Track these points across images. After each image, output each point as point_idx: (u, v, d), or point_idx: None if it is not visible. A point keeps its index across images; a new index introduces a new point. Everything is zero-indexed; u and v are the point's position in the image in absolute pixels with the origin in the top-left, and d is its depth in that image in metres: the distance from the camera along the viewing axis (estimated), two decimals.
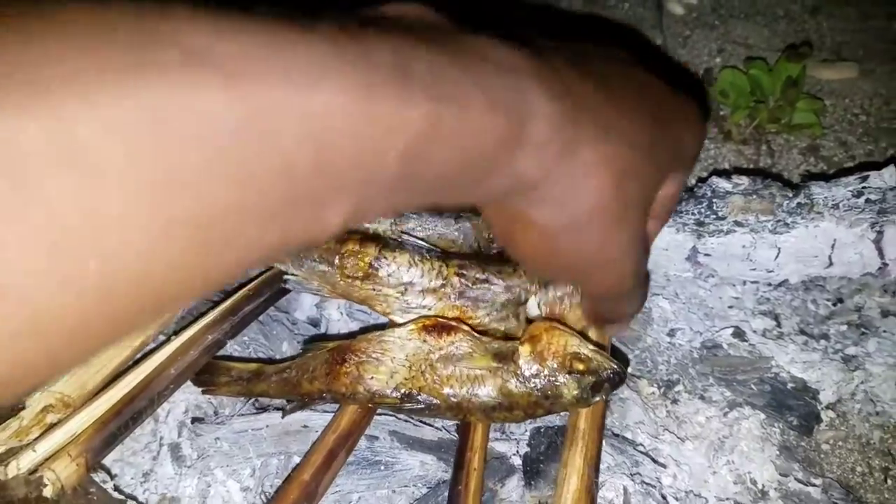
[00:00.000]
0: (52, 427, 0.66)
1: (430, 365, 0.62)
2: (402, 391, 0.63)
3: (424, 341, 0.63)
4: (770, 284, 0.91)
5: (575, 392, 0.60)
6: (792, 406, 0.79)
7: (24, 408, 0.68)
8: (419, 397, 0.62)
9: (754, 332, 0.87)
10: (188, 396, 0.78)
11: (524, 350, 0.61)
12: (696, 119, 0.49)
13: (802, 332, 0.88)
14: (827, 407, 0.81)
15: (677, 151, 0.46)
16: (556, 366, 0.60)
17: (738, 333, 0.84)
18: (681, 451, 0.77)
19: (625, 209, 0.41)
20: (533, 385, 0.60)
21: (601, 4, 1.49)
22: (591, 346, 0.60)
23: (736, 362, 0.82)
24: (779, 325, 0.88)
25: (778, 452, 0.76)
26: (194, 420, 0.76)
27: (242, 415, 0.77)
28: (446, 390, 0.61)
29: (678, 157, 0.46)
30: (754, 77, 1.13)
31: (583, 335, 0.62)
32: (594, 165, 0.38)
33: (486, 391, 0.61)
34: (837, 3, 1.43)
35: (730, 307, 0.91)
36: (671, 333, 0.86)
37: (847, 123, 1.19)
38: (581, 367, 0.59)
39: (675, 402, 0.82)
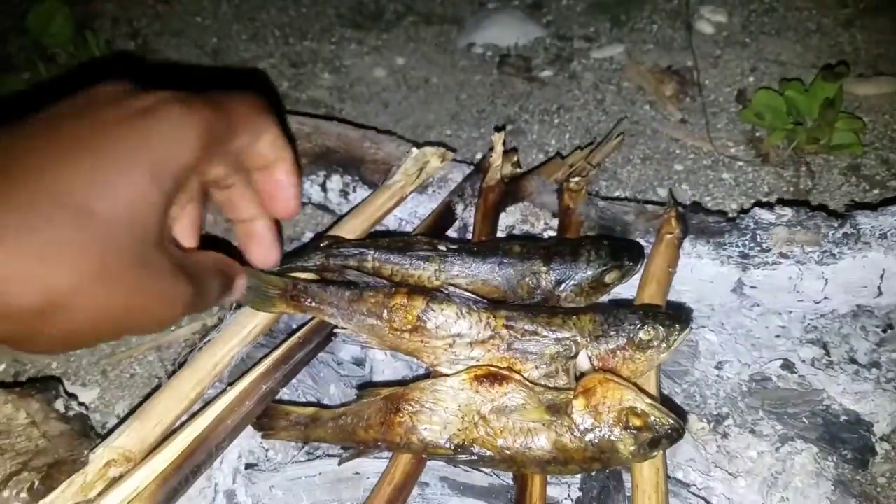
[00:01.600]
0: (115, 482, 0.67)
1: (483, 416, 0.63)
2: (456, 442, 0.63)
3: (477, 391, 0.64)
4: (817, 313, 0.89)
5: (632, 448, 0.60)
6: (845, 439, 0.78)
7: (87, 463, 0.70)
8: (473, 449, 0.63)
9: (803, 361, 0.86)
10: (241, 442, 0.79)
11: (578, 403, 0.61)
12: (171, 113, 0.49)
13: (852, 360, 0.87)
14: (882, 439, 0.80)
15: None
16: (611, 421, 0.60)
17: (787, 365, 0.83)
18: (733, 488, 0.76)
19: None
20: (588, 440, 0.60)
21: (629, 27, 1.50)
22: (648, 400, 0.60)
23: (786, 395, 0.81)
24: (828, 354, 0.87)
25: (833, 487, 0.75)
26: (248, 466, 0.78)
27: (296, 461, 0.78)
28: (500, 442, 0.62)
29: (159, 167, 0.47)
30: (790, 98, 1.13)
31: (638, 388, 0.62)
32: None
33: (540, 445, 0.61)
34: (871, 15, 1.42)
35: (777, 336, 0.90)
36: (719, 366, 0.86)
37: (888, 140, 1.17)
38: (638, 422, 0.59)
39: (725, 436, 0.81)
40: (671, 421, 0.60)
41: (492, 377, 0.64)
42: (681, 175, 1.17)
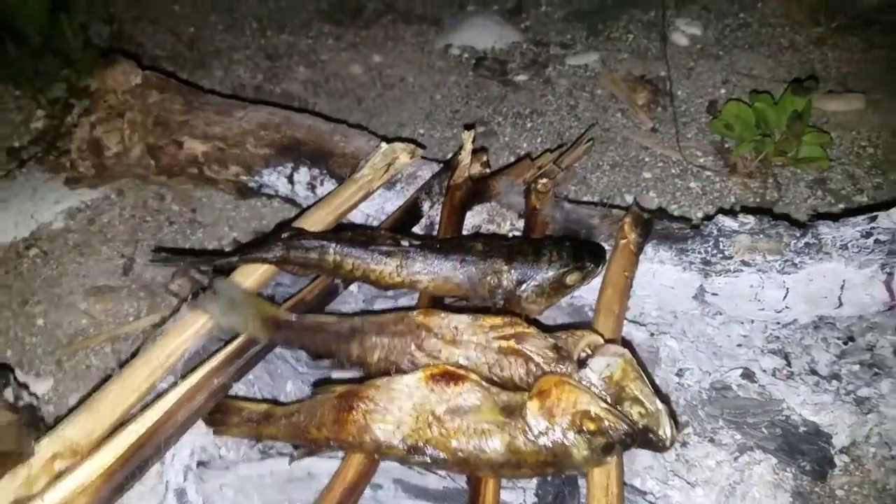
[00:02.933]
0: (60, 476, 0.65)
1: (437, 417, 0.62)
2: (409, 443, 0.62)
3: (432, 390, 0.63)
4: (779, 322, 0.90)
5: (585, 453, 0.59)
6: (804, 450, 0.78)
7: (33, 455, 0.68)
8: (426, 450, 0.62)
9: (764, 371, 0.86)
10: (193, 439, 0.77)
11: (533, 406, 0.60)
12: None
13: (813, 371, 0.87)
14: (841, 451, 0.80)
15: None
16: (566, 424, 0.59)
17: (748, 374, 0.83)
18: (690, 497, 0.76)
19: None
20: (542, 444, 0.59)
21: (605, 35, 1.50)
22: (603, 404, 0.60)
23: (746, 404, 0.81)
24: (789, 365, 0.88)
25: (791, 499, 0.75)
26: (200, 464, 0.76)
27: (248, 460, 0.76)
28: (453, 444, 0.61)
29: None
30: (759, 110, 1.14)
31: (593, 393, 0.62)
32: None
33: (494, 447, 0.60)
34: (842, 34, 1.44)
35: (738, 345, 0.90)
36: (679, 373, 0.85)
37: (854, 156, 1.19)
38: (592, 426, 0.58)
39: (684, 445, 0.81)
40: (625, 426, 0.59)
41: (448, 376, 0.63)
42: (649, 183, 1.18)
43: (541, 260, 0.76)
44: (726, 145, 1.22)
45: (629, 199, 1.13)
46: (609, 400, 0.62)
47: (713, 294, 0.83)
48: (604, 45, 1.47)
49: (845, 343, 0.89)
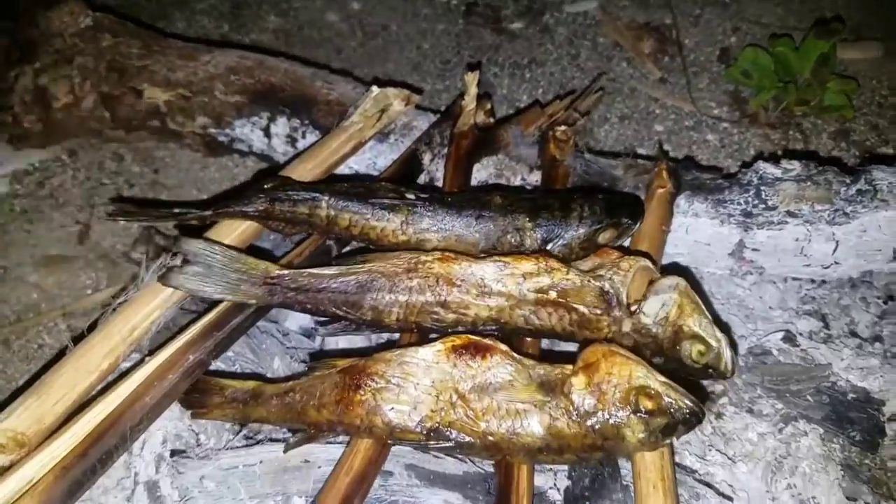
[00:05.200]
0: (3, 472, 0.54)
1: (462, 395, 0.52)
2: (428, 425, 0.52)
3: (454, 365, 0.53)
4: (814, 281, 0.82)
5: (641, 435, 0.50)
6: (853, 419, 0.70)
7: None
8: (450, 434, 0.52)
9: (800, 334, 0.78)
10: (166, 424, 0.66)
11: (578, 381, 0.50)
12: None
13: (853, 333, 0.79)
14: (891, 419, 0.72)
15: None
16: (618, 402, 0.49)
17: (789, 338, 0.75)
18: (734, 474, 0.68)
19: None
20: (589, 425, 0.50)
21: None
22: (661, 378, 0.50)
23: (789, 371, 0.73)
24: (826, 327, 0.80)
25: (841, 472, 0.68)
26: (174, 453, 0.65)
27: (232, 448, 0.66)
28: (482, 426, 0.51)
29: None
30: (781, 55, 1.05)
31: (650, 364, 0.52)
32: None
33: (531, 430, 0.50)
34: None
35: (771, 308, 0.82)
36: None
37: (876, 106, 1.11)
38: (650, 404, 0.49)
39: (719, 416, 0.73)
40: (689, 403, 0.50)
41: (473, 348, 0.53)
42: (661, 136, 1.08)
43: (569, 215, 0.66)
44: (742, 95, 1.13)
45: (642, 153, 1.04)
46: (666, 344, 0.54)
47: (753, 250, 0.75)
48: None
49: (885, 302, 0.82)
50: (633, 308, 0.57)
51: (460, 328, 0.60)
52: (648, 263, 0.58)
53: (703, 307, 0.57)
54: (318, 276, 0.61)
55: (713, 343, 0.57)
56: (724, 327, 0.73)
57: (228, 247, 0.63)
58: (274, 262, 0.64)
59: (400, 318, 0.60)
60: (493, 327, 0.60)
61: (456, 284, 0.59)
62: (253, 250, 0.70)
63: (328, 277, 0.61)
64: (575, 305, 0.57)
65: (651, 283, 0.58)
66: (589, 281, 0.57)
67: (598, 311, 0.57)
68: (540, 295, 0.57)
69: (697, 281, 0.82)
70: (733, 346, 0.62)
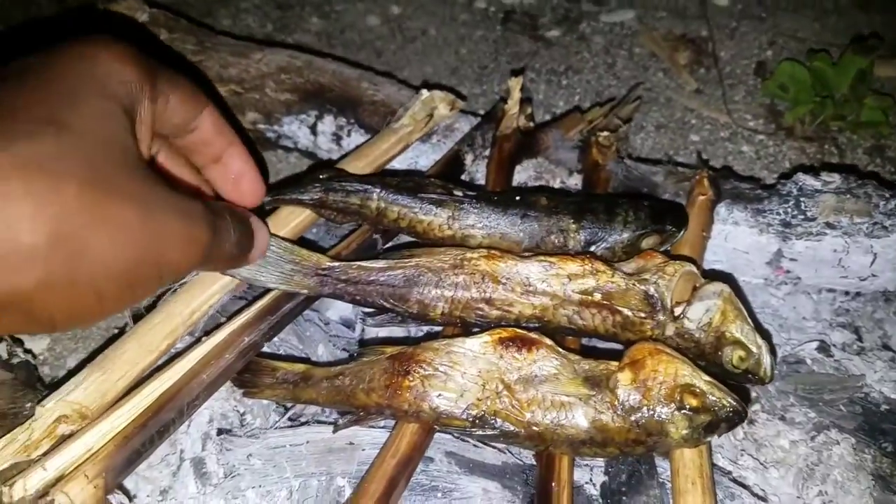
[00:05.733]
0: (65, 440, 0.57)
1: (508, 386, 0.53)
2: (474, 413, 0.54)
3: (501, 357, 0.55)
4: (847, 294, 0.83)
5: (684, 432, 0.52)
6: (886, 430, 0.71)
7: (31, 417, 0.59)
8: (494, 422, 0.54)
9: (834, 346, 0.79)
10: (212, 403, 0.68)
11: (624, 377, 0.52)
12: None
13: (886, 346, 0.80)
14: None
15: None
16: (663, 398, 0.51)
17: (824, 348, 0.76)
18: (766, 478, 0.69)
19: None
20: (634, 420, 0.52)
21: None
22: (706, 377, 0.52)
23: (822, 380, 0.74)
24: (859, 339, 0.81)
25: (874, 482, 0.69)
26: (220, 431, 0.68)
27: (278, 427, 0.68)
28: (527, 417, 0.53)
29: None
30: (818, 71, 1.06)
31: (696, 364, 0.54)
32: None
33: (576, 422, 0.52)
34: None
35: (804, 318, 0.83)
36: None
37: None
38: (695, 402, 0.51)
39: (751, 423, 0.74)
40: (733, 402, 0.51)
41: (519, 341, 0.55)
42: (697, 146, 1.10)
43: (614, 219, 0.68)
44: (778, 108, 1.14)
45: (680, 161, 1.06)
46: (707, 349, 0.56)
47: (791, 259, 0.76)
48: (639, 3, 1.38)
49: None
50: (677, 312, 0.58)
51: (503, 324, 0.62)
52: (693, 268, 0.60)
53: (745, 314, 0.59)
54: (367, 268, 0.64)
55: (753, 349, 0.58)
56: (766, 334, 0.74)
57: (283, 238, 0.66)
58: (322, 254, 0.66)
59: (445, 313, 0.62)
60: (536, 324, 0.62)
61: (501, 282, 0.61)
62: (301, 242, 0.72)
63: (377, 270, 0.63)
64: (619, 308, 0.58)
65: (695, 288, 0.59)
66: (634, 284, 0.58)
67: (643, 315, 0.58)
68: (584, 296, 0.59)
69: (740, 287, 0.83)
70: (774, 352, 0.63)
